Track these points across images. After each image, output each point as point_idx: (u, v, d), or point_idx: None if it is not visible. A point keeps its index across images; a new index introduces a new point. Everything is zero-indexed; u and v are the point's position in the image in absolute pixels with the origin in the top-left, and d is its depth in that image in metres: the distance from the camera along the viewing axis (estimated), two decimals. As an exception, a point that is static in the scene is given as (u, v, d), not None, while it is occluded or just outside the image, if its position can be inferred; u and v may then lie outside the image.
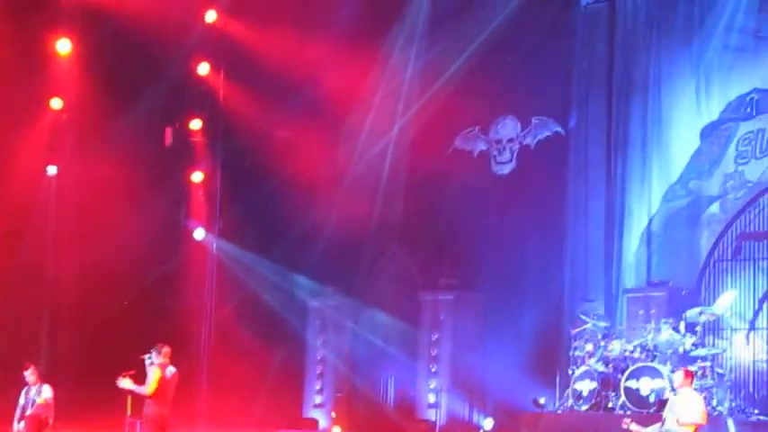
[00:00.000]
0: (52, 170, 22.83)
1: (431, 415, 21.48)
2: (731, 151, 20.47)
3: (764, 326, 19.57)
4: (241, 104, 23.09)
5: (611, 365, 19.02)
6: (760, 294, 19.73)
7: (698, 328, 18.83)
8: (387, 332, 22.61)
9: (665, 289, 20.12)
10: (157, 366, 14.64)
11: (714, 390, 18.08)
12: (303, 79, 22.51)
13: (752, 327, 19.73)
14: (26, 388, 17.09)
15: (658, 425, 14.11)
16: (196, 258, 23.46)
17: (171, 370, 14.83)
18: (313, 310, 23.32)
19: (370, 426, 21.48)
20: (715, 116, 20.62)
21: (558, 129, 22.28)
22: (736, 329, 19.83)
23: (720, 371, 18.56)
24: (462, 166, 22.72)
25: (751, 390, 19.39)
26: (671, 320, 18.92)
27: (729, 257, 20.21)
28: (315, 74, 22.57)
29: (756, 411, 18.59)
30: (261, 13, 22.55)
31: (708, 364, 18.28)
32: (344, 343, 23.10)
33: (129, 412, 15.60)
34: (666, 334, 18.75)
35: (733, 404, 18.45)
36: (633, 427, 14.03)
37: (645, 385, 18.24)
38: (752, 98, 20.31)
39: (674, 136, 21.04)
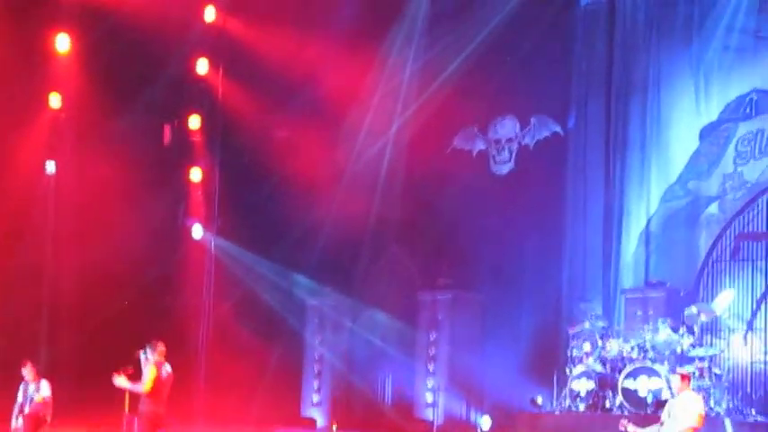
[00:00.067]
0: (51, 169, 22.81)
1: (428, 414, 21.48)
2: (730, 152, 20.48)
3: (762, 326, 19.57)
4: (240, 103, 23.08)
5: (608, 365, 19.06)
6: (758, 295, 19.73)
7: (696, 329, 18.85)
8: (385, 331, 22.62)
9: (664, 289, 20.14)
10: (153, 364, 14.67)
11: (712, 390, 18.10)
12: (302, 78, 22.52)
13: (750, 327, 19.73)
14: (24, 385, 17.08)
15: (656, 426, 14.07)
16: (195, 257, 23.45)
17: (167, 369, 14.85)
18: (311, 308, 23.34)
19: (367, 425, 21.49)
20: (714, 117, 20.62)
21: (557, 128, 22.28)
22: (733, 330, 19.83)
23: (718, 371, 18.57)
24: (461, 165, 22.72)
25: (748, 390, 19.39)
26: (669, 320, 18.94)
27: (728, 258, 20.20)
28: (314, 73, 22.59)
29: (754, 412, 18.62)
30: (260, 11, 22.53)
31: (705, 364, 18.30)
32: (342, 342, 23.12)
33: (126, 410, 15.61)
34: (664, 334, 18.77)
35: (730, 405, 18.47)
36: (630, 428, 13.99)
37: (642, 385, 18.27)
38: (751, 99, 20.30)
39: (674, 136, 21.04)
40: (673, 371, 17.62)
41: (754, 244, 19.99)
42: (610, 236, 21.36)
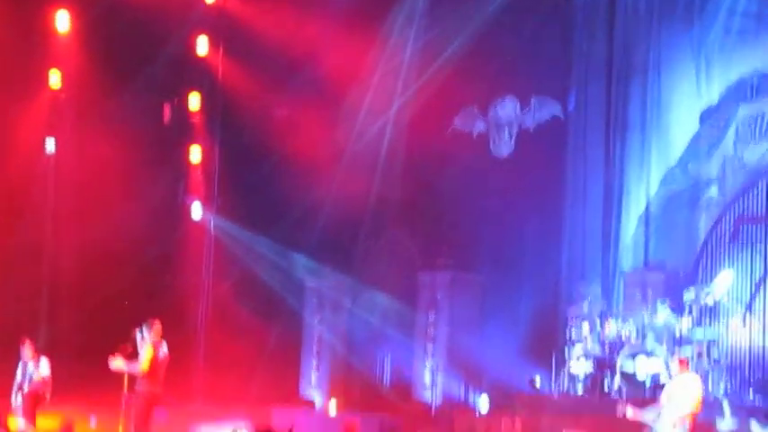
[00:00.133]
0: (51, 147, 22.79)
1: (427, 395, 21.53)
2: (730, 134, 20.42)
3: (761, 309, 19.58)
4: (240, 82, 23.03)
5: (607, 347, 19.07)
6: (757, 278, 19.73)
7: (694, 311, 18.87)
8: (384, 312, 22.64)
9: (663, 271, 20.16)
10: (150, 344, 14.69)
11: (710, 373, 18.12)
12: (302, 57, 22.46)
13: (748, 310, 19.74)
14: (22, 362, 17.09)
15: (657, 409, 14.04)
16: (194, 236, 23.46)
17: (164, 348, 14.88)
18: (310, 288, 23.33)
19: (365, 405, 21.52)
20: (715, 99, 20.56)
21: (558, 109, 22.24)
22: (732, 313, 19.83)
23: (716, 354, 18.59)
24: (461, 147, 22.69)
25: (747, 373, 19.38)
26: (668, 301, 18.96)
27: (727, 240, 20.19)
28: (314, 52, 22.51)
29: (752, 394, 18.65)
30: (260, -10, 22.49)
31: (704, 346, 18.31)
32: (341, 322, 23.13)
33: (125, 389, 15.65)
34: (663, 316, 18.79)
35: (729, 387, 18.50)
36: (630, 412, 13.98)
37: (641, 367, 18.28)
38: (752, 81, 20.26)
39: (674, 119, 21.00)
40: (671, 352, 17.69)
41: (754, 227, 19.95)
42: (609, 218, 21.35)
